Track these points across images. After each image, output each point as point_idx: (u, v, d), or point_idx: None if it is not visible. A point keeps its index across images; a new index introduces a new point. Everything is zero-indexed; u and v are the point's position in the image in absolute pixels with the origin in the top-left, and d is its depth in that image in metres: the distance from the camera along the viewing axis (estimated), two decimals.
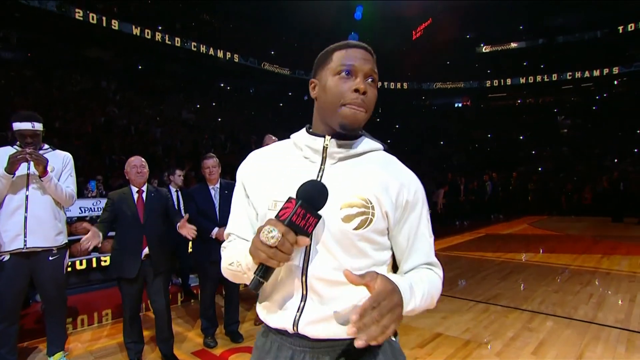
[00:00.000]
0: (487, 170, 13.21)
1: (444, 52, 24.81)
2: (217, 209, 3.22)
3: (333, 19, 20.43)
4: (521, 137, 22.34)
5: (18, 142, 2.57)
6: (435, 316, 3.84)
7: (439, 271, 1.02)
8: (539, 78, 25.61)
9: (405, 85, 25.33)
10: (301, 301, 0.91)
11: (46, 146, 2.69)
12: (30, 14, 13.88)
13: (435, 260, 1.02)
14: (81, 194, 5.65)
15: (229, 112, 17.21)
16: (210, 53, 17.92)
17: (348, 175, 0.94)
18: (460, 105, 28.20)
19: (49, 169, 2.50)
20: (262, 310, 0.99)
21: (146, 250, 2.76)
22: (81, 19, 15.09)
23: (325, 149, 0.96)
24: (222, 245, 1.04)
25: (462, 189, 11.04)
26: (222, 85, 20.39)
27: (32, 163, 2.43)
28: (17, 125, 2.50)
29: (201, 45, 17.46)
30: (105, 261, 4.69)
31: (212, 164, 3.25)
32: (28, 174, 2.50)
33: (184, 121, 14.46)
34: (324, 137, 0.96)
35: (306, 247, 0.90)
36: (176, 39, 17.50)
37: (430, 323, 3.65)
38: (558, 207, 12.89)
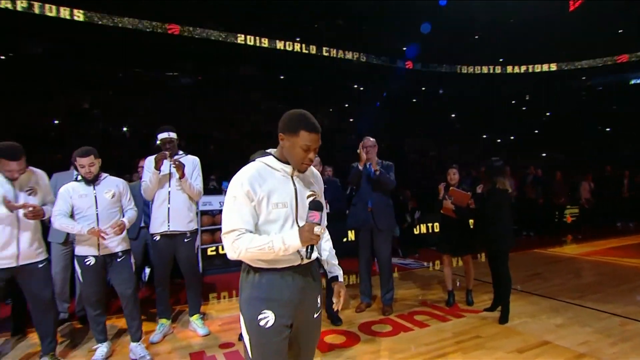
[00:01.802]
0: None
1: (613, 21, 20.63)
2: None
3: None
4: None
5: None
6: (548, 323, 3.49)
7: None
8: None
9: (553, 66, 21.95)
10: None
11: (181, 152, 3.46)
12: (200, 44, 16.58)
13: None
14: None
15: (361, 112, 17.78)
16: (340, 56, 18.76)
17: (302, 178, 1.66)
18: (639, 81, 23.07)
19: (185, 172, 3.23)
20: (272, 264, 1.56)
21: None
22: (243, 42, 17.35)
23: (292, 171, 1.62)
24: (236, 235, 1.49)
25: (625, 183, 9.19)
26: (355, 86, 21.09)
27: (169, 164, 3.19)
28: (160, 135, 3.32)
29: (331, 50, 18.42)
30: None
31: (314, 162, 3.64)
32: (170, 174, 3.27)
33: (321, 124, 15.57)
34: (290, 165, 1.60)
35: (295, 218, 1.59)
36: (311, 46, 18.77)
37: (539, 329, 3.34)
38: None
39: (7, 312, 3.60)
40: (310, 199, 1.60)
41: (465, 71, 19.99)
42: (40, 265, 2.75)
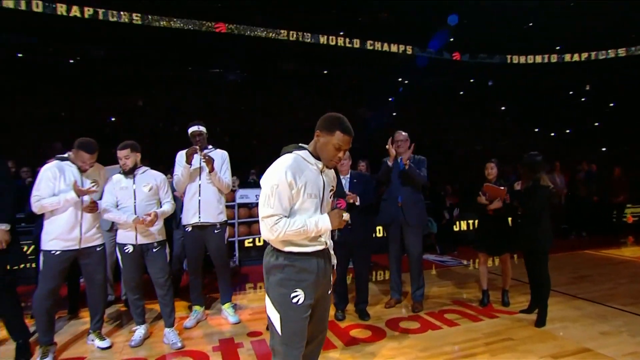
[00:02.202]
0: None
1: None
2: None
3: None
4: None
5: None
6: (592, 329, 3.27)
7: None
8: None
9: (621, 51, 20.15)
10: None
11: (210, 146, 3.60)
12: (245, 41, 16.90)
13: None
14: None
15: (405, 106, 17.42)
16: (384, 49, 18.41)
17: (326, 174, 1.86)
18: None
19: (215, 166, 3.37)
20: (302, 249, 1.75)
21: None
22: (285, 38, 17.55)
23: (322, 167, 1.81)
24: (275, 220, 1.66)
25: None
26: (399, 80, 20.68)
27: (200, 159, 3.34)
28: (190, 129, 3.47)
29: (376, 43, 18.14)
30: None
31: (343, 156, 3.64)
32: (200, 168, 3.42)
33: (358, 118, 15.50)
34: (321, 162, 1.80)
35: (320, 208, 1.80)
36: (355, 40, 18.56)
37: (580, 335, 3.15)
38: None
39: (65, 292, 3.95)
40: (333, 191, 1.89)
41: (517, 61, 18.92)
42: (98, 249, 3.00)
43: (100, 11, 16.14)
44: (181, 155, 3.41)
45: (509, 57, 19.68)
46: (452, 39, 20.46)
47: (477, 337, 3.16)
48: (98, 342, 3.03)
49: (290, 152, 1.77)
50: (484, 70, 19.98)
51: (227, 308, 3.62)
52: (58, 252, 2.79)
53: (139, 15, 16.80)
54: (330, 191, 1.87)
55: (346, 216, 1.74)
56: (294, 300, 1.70)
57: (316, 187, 1.75)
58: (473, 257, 5.92)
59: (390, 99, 18.29)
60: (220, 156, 3.55)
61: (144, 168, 3.15)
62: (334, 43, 18.30)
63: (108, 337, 3.13)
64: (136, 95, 14.56)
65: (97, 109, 13.13)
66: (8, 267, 2.84)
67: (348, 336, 3.23)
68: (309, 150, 1.79)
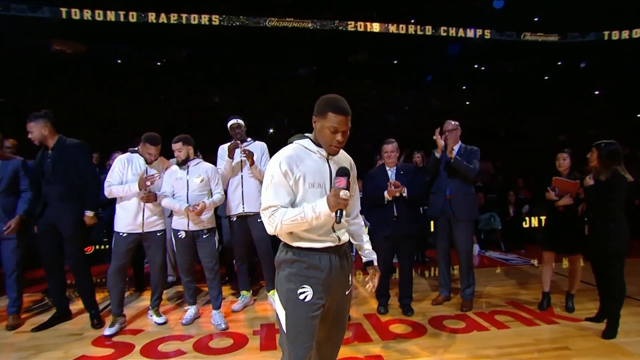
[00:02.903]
0: None
1: None
2: None
3: None
4: None
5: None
6: None
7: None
8: None
9: None
10: (332, 230, 1.67)
11: (249, 139, 3.73)
12: (317, 35, 17.13)
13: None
14: None
15: (480, 94, 16.34)
16: (460, 35, 17.42)
17: (336, 161, 1.71)
18: None
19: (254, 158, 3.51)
20: (312, 244, 1.64)
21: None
22: (353, 29, 17.48)
23: (327, 155, 1.69)
24: (271, 211, 1.58)
25: None
26: (475, 66, 19.43)
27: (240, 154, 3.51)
28: (230, 122, 3.65)
29: (450, 29, 17.24)
30: None
31: (390, 149, 3.53)
32: (242, 161, 3.58)
33: (431, 108, 14.87)
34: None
35: None
36: (427, 27, 17.86)
37: None
38: None
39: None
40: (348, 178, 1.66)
41: (616, 37, 16.65)
42: (158, 234, 3.32)
43: (184, 16, 17.55)
44: (223, 149, 3.60)
45: (605, 33, 17.48)
46: (536, 19, 18.73)
47: (527, 343, 2.91)
48: (155, 318, 3.36)
49: (292, 142, 1.72)
50: (577, 50, 17.99)
51: (272, 295, 3.77)
52: (125, 234, 3.15)
53: (218, 16, 17.94)
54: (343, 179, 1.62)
55: (344, 194, 1.50)
56: (301, 296, 1.60)
57: (319, 176, 1.63)
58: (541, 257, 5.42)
59: (463, 87, 17.28)
60: (259, 148, 3.68)
61: (197, 160, 3.39)
62: (404, 31, 17.82)
63: (164, 314, 3.45)
64: (212, 93, 15.58)
65: (177, 106, 14.30)
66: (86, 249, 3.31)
67: (386, 330, 3.18)
68: (310, 139, 1.70)
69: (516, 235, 6.11)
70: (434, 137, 3.49)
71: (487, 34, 17.72)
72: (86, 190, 3.21)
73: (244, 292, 3.78)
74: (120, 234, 3.16)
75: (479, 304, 3.70)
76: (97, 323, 3.26)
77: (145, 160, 3.25)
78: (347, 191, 1.51)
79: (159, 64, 17.50)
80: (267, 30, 16.78)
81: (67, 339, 3.05)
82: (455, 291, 3.91)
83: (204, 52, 17.00)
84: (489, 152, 10.78)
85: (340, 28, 16.52)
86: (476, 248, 5.80)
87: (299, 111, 15.24)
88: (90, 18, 14.72)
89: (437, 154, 3.52)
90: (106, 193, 3.16)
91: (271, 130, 13.24)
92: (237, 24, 16.51)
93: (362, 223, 1.93)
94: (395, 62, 19.29)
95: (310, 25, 16.92)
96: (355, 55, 18.10)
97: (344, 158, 1.77)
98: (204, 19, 16.57)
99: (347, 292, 1.76)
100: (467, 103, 15.50)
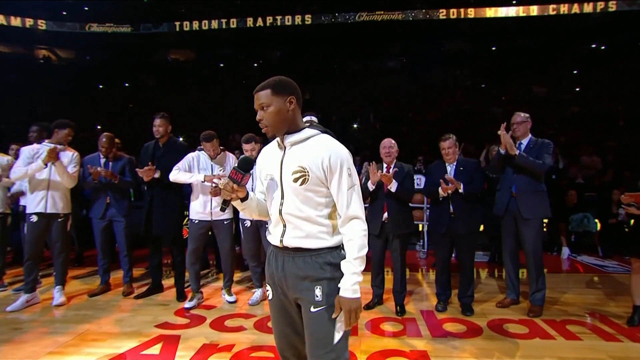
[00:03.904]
0: None
1: None
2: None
3: None
4: None
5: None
6: None
7: (356, 224, 1.44)
8: None
9: None
10: (283, 228, 1.50)
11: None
12: (406, 25, 16.79)
13: (354, 212, 1.44)
14: None
15: (592, 79, 14.31)
16: (573, 11, 15.48)
17: (294, 154, 1.49)
18: None
19: None
20: (269, 236, 1.59)
21: (386, 215, 3.46)
22: (445, 17, 16.78)
23: (282, 142, 1.53)
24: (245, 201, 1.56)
25: None
26: (593, 45, 17.03)
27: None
28: (304, 118, 3.83)
29: (561, 6, 15.42)
30: None
31: (447, 145, 3.44)
32: None
33: (533, 97, 13.49)
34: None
35: (281, 195, 1.49)
36: (531, 8, 16.29)
37: None
38: None
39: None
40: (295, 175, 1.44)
41: None
42: (225, 223, 3.74)
43: (279, 18, 18.55)
44: None
45: None
46: None
47: (598, 358, 2.64)
48: (227, 297, 3.79)
49: None
50: None
51: None
52: (197, 221, 3.62)
53: (310, 16, 18.56)
54: (294, 173, 1.44)
55: (223, 183, 1.46)
56: (268, 295, 1.59)
57: (272, 167, 1.52)
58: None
59: (574, 72, 15.26)
60: None
61: None
62: (504, 15, 16.45)
63: (235, 294, 3.87)
64: (304, 90, 16.28)
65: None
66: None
67: (439, 328, 3.14)
68: None
69: (619, 239, 5.36)
70: (499, 132, 3.30)
71: (612, 5, 15.42)
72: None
73: None
74: (194, 221, 3.61)
75: (551, 311, 3.42)
76: (180, 297, 3.80)
77: (210, 156, 3.64)
78: (225, 183, 1.46)
79: (255, 65, 18.83)
80: (357, 25, 16.92)
81: (157, 307, 3.63)
82: (526, 295, 3.65)
83: (296, 51, 17.81)
84: (600, 144, 9.47)
85: (431, 17, 15.90)
86: (565, 251, 5.23)
87: (385, 105, 15.22)
88: (197, 28, 16.53)
89: (502, 150, 3.32)
90: (171, 176, 3.52)
91: (355, 125, 13.34)
92: (328, 21, 16.98)
93: (352, 235, 1.43)
94: (494, 48, 17.91)
95: (400, 16, 16.62)
96: (447, 44, 17.26)
97: (318, 149, 1.44)
98: (297, 19, 17.37)
99: (312, 309, 1.43)
100: (577, 89, 13.68)
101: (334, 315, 1.42)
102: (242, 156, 1.62)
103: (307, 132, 1.50)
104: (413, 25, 16.02)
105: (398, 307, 3.46)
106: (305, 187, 1.43)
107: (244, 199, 1.54)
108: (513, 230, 3.42)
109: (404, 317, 3.37)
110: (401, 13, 15.99)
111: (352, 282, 1.39)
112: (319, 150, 1.43)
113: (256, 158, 1.68)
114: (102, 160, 3.90)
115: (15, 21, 15.65)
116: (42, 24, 16.10)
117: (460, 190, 3.27)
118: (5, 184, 4.08)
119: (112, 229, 3.96)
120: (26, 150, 3.60)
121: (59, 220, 3.69)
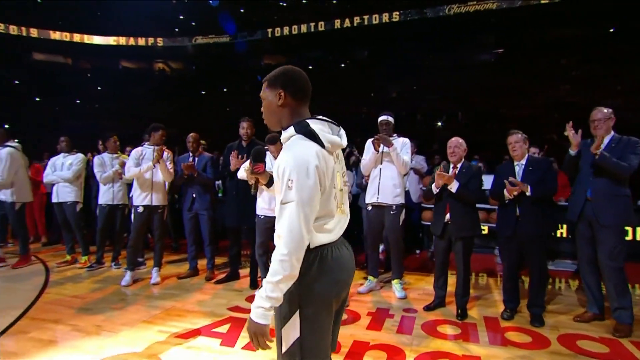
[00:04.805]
0: None
1: None
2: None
3: None
4: None
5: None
6: None
7: (278, 245, 1.29)
8: None
9: None
10: None
11: (395, 135, 3.96)
12: (502, 14, 15.69)
13: (280, 230, 1.31)
14: None
15: None
16: None
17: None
18: None
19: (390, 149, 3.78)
20: None
21: (448, 217, 3.41)
22: (547, 1, 15.37)
23: None
24: None
25: None
26: None
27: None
28: (380, 118, 3.96)
29: None
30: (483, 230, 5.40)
31: (514, 139, 3.27)
32: (382, 153, 3.86)
33: None
34: None
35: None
36: None
37: None
38: None
39: None
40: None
41: None
42: None
43: (365, 17, 18.69)
44: (370, 143, 3.92)
45: None
46: None
47: None
48: None
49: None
50: None
51: (395, 284, 3.98)
52: (262, 217, 3.93)
53: (397, 12, 18.39)
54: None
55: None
56: None
57: None
58: None
59: None
60: (401, 143, 3.90)
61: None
62: None
63: None
64: (390, 88, 16.13)
65: (356, 103, 15.40)
66: None
67: (500, 336, 3.00)
68: None
69: None
70: (565, 133, 3.01)
71: None
72: None
73: (370, 278, 4.11)
74: (260, 216, 3.92)
75: None
76: (253, 285, 4.17)
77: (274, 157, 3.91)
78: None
79: (342, 65, 19.19)
80: (448, 18, 16.22)
81: (232, 293, 4.05)
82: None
83: (383, 49, 17.71)
84: None
85: (528, 2, 14.53)
86: None
87: (474, 101, 14.37)
88: (288, 33, 17.41)
89: (572, 152, 3.03)
90: (238, 174, 3.90)
91: (439, 124, 12.85)
92: (417, 17, 16.58)
93: (272, 256, 1.30)
94: (612, 30, 15.69)
95: (494, 5, 15.52)
96: (552, 31, 15.61)
97: (281, 153, 1.37)
98: (385, 17, 17.28)
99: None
100: None
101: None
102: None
103: (289, 131, 1.41)
104: (510, 13, 14.85)
105: (459, 311, 3.37)
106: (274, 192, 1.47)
107: (269, 184, 1.78)
108: (589, 237, 3.09)
109: (464, 321, 3.28)
110: (496, 2, 14.93)
111: (256, 305, 1.30)
112: (280, 154, 1.35)
113: None
114: (190, 158, 4.46)
115: (141, 41, 18.23)
116: (160, 41, 18.52)
117: (528, 193, 3.07)
118: (125, 180, 4.89)
119: (198, 221, 4.50)
120: (133, 152, 4.30)
121: (159, 211, 4.34)
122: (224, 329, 3.15)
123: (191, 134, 4.47)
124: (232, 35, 17.67)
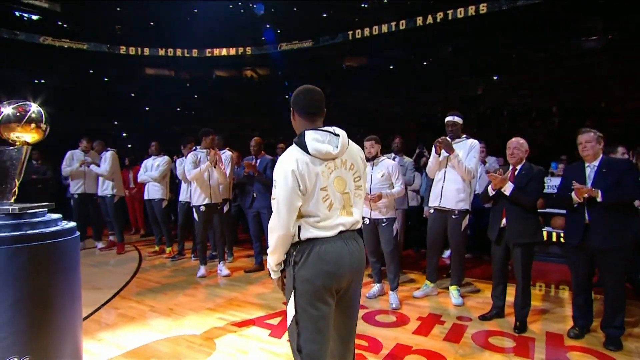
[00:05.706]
0: None
1: None
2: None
3: None
4: None
5: None
6: None
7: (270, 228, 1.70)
8: None
9: None
10: None
11: (464, 136, 3.81)
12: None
13: (270, 224, 1.67)
14: None
15: None
16: None
17: None
18: None
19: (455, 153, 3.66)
20: None
21: (504, 222, 3.21)
22: None
23: None
24: None
25: None
26: None
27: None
28: (446, 119, 3.84)
29: None
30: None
31: (585, 139, 2.89)
32: (448, 157, 3.70)
33: None
34: None
35: None
36: None
37: None
38: None
39: None
40: None
41: None
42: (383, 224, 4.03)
43: (450, 12, 18.02)
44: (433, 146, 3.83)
45: None
46: None
47: None
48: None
49: None
50: None
51: (453, 290, 3.83)
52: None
53: (485, 4, 17.40)
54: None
55: None
56: None
57: None
58: None
59: None
60: (469, 146, 3.74)
61: (382, 157, 3.89)
62: None
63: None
64: (474, 84, 15.20)
65: (436, 101, 14.81)
66: None
67: (561, 354, 2.74)
68: None
69: None
70: None
71: None
72: None
73: (427, 282, 4.00)
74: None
75: None
76: None
77: None
78: None
79: (425, 63, 18.59)
80: (543, 5, 14.77)
81: None
82: None
83: (469, 43, 16.77)
84: None
85: None
86: None
87: (570, 95, 12.96)
88: (369, 34, 17.42)
89: None
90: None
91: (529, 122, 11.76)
92: (506, 7, 15.40)
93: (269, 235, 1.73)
94: None
95: None
96: None
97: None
98: (471, 10, 16.38)
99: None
100: None
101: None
102: None
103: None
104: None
105: (517, 323, 3.14)
106: None
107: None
108: None
109: (522, 334, 3.05)
110: None
111: (268, 267, 1.77)
112: None
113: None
114: (253, 159, 4.79)
115: (232, 51, 19.78)
116: (248, 50, 19.87)
117: (599, 199, 2.74)
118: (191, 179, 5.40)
119: (260, 219, 4.81)
120: (190, 156, 4.61)
121: (218, 208, 4.71)
122: (275, 321, 3.35)
123: (254, 138, 4.82)
124: (314, 40, 18.25)
